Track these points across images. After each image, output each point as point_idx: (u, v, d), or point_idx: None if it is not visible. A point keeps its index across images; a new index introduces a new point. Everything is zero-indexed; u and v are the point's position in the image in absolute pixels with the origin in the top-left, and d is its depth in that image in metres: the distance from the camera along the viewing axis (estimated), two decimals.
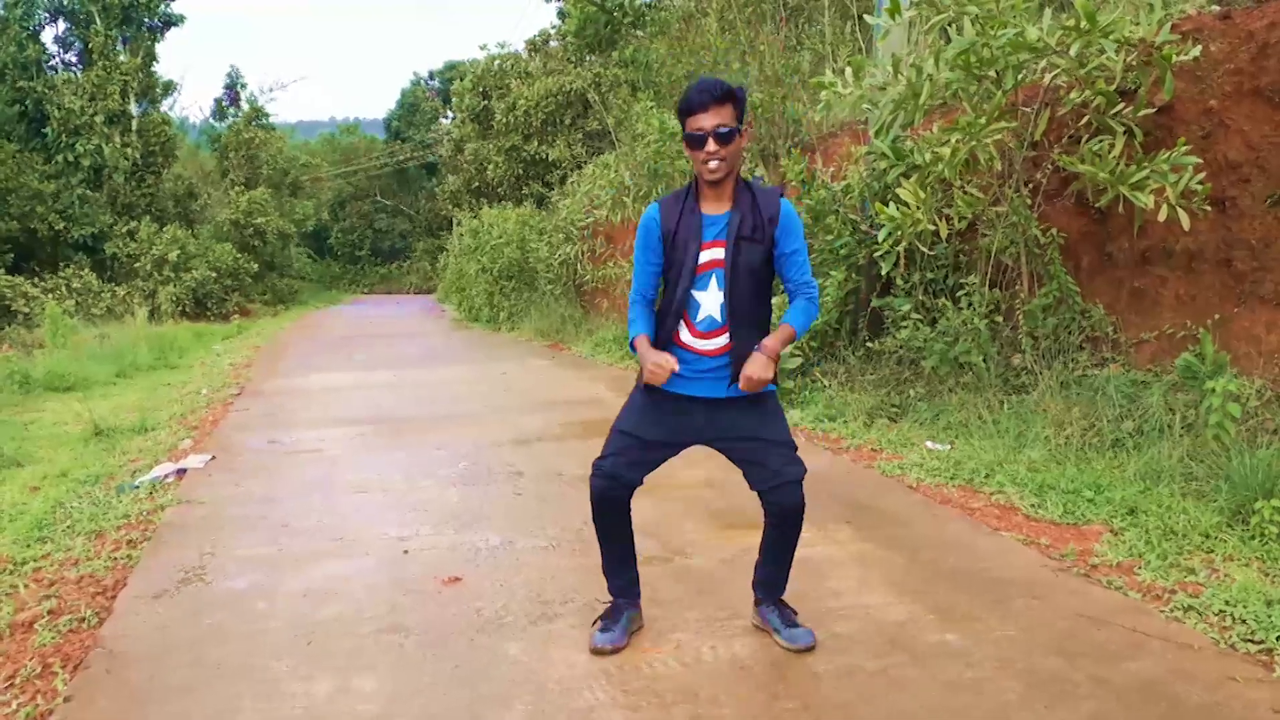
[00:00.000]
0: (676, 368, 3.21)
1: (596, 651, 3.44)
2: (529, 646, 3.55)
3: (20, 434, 8.30)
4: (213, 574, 4.45)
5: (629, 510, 3.49)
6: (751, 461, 3.37)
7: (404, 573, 4.41)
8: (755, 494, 3.44)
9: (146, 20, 28.20)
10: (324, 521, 5.29)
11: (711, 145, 3.16)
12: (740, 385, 3.19)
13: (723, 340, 3.30)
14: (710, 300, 3.29)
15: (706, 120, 3.14)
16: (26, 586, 4.31)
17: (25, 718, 3.10)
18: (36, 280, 20.92)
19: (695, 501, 5.32)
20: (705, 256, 3.28)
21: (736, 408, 3.33)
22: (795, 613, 3.58)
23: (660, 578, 4.19)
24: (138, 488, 6.01)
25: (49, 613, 3.96)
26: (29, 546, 4.91)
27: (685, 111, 3.19)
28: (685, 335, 3.33)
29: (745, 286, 3.29)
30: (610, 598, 3.63)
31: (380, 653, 3.54)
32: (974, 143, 6.13)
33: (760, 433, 3.34)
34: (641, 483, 3.42)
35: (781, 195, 3.37)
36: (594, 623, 3.60)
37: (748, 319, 3.31)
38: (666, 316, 3.35)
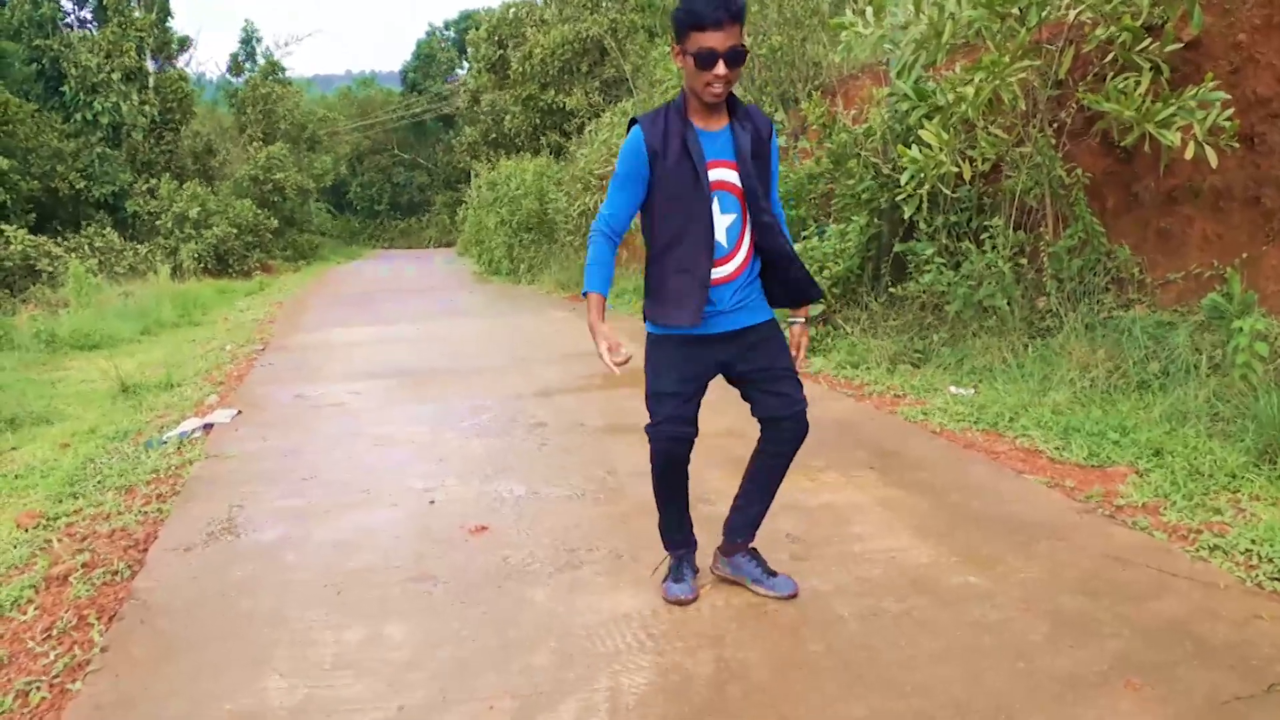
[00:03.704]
0: (627, 360, 3.13)
1: (677, 601, 3.42)
2: (555, 593, 3.58)
3: (49, 392, 8.40)
4: (242, 526, 4.50)
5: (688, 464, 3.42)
6: (767, 389, 3.30)
7: (431, 523, 4.45)
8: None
9: None
10: (350, 474, 5.34)
11: (722, 68, 2.93)
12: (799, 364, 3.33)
13: (730, 267, 3.19)
14: (717, 224, 3.15)
15: (719, 40, 2.89)
16: (60, 541, 4.38)
17: (64, 667, 3.16)
18: (59, 240, 20.98)
19: (718, 449, 5.31)
20: (710, 177, 3.11)
21: (746, 339, 3.27)
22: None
23: None
24: (165, 443, 6.08)
25: (83, 566, 4.03)
26: (61, 502, 4.99)
27: (692, 24, 2.90)
28: None
29: (760, 206, 3.17)
30: (670, 550, 3.57)
31: (409, 601, 3.59)
32: (997, 82, 6.03)
33: (775, 361, 3.29)
34: (698, 431, 3.36)
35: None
36: (663, 579, 3.55)
37: (768, 230, 3.21)
38: (675, 247, 3.17)
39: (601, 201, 12.58)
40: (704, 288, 3.15)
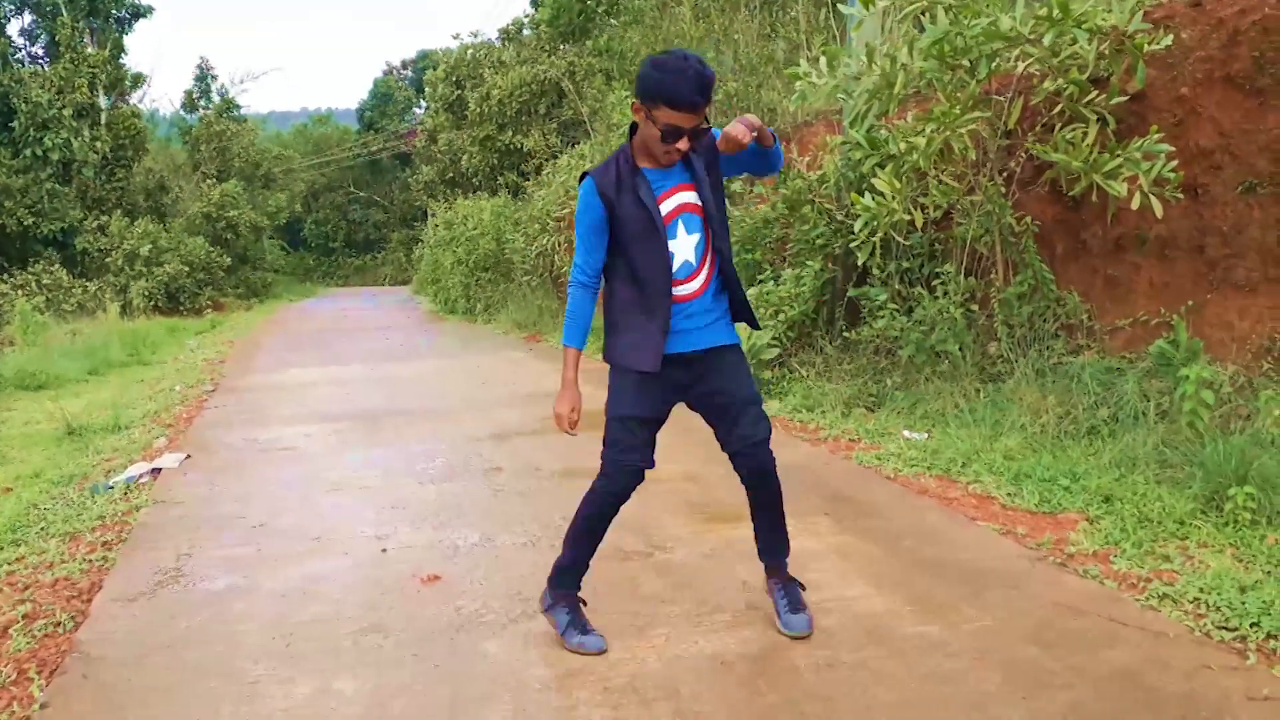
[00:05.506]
0: (575, 430, 3.34)
1: (592, 653, 3.37)
2: (509, 645, 3.54)
3: None
4: (189, 575, 4.41)
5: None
6: (724, 419, 3.36)
7: (383, 572, 4.39)
8: (734, 477, 3.48)
9: (114, 12, 27.86)
10: (301, 521, 5.26)
11: (684, 144, 3.07)
12: (722, 146, 3.10)
13: (697, 283, 3.29)
14: (683, 245, 3.26)
15: (687, 121, 3.01)
16: (0, 591, 4.27)
17: None
18: (5, 277, 20.64)
19: (676, 495, 5.31)
20: (667, 206, 3.22)
21: (708, 362, 3.33)
22: (803, 588, 3.61)
23: (641, 572, 4.20)
24: (112, 488, 5.96)
25: (23, 617, 3.92)
26: (2, 550, 4.86)
27: (665, 100, 2.97)
28: None
29: (720, 221, 3.31)
30: (562, 595, 3.50)
31: (360, 653, 3.52)
32: (948, 132, 6.15)
33: (732, 388, 3.35)
34: (653, 464, 3.40)
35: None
36: (565, 624, 3.46)
37: (724, 250, 3.34)
38: (634, 292, 3.27)
39: (558, 241, 12.51)
40: (663, 333, 3.24)
